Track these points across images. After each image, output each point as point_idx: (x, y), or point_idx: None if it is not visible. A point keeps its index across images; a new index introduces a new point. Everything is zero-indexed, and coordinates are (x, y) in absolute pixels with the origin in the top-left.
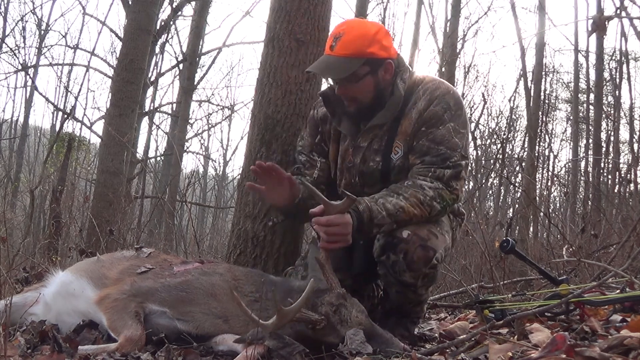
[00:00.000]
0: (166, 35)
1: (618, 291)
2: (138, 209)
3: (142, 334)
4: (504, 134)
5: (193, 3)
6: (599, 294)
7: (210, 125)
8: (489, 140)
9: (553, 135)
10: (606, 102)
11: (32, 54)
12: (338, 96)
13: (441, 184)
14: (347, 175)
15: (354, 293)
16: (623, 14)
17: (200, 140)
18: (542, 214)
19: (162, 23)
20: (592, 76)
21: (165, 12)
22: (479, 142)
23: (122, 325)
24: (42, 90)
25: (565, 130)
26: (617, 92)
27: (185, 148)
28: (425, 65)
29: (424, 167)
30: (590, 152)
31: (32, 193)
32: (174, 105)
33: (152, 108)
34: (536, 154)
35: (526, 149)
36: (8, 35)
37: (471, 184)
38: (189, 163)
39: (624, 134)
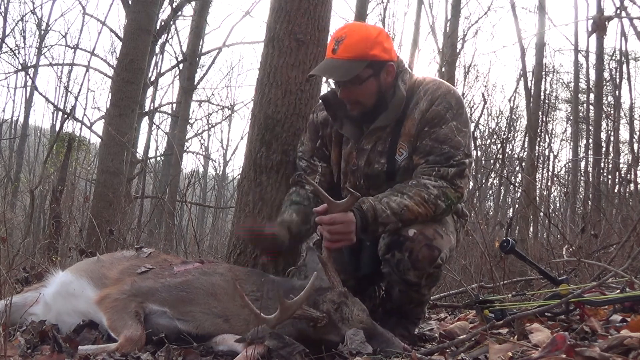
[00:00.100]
0: (166, 35)
1: (618, 291)
2: (138, 209)
3: (142, 334)
4: (504, 134)
5: (193, 3)
6: (599, 294)
7: (210, 125)
8: (489, 140)
9: (553, 135)
10: (606, 102)
11: (32, 54)
12: (339, 99)
13: (445, 182)
14: (351, 178)
15: (356, 294)
16: (623, 14)
17: (200, 140)
18: (542, 214)
19: (162, 23)
20: (592, 76)
21: (165, 12)
22: (479, 142)
23: (122, 325)
24: (42, 90)
25: (565, 130)
26: (617, 92)
27: (185, 148)
28: (425, 65)
29: (428, 166)
30: (590, 152)
31: (32, 193)
32: (174, 105)
33: (152, 108)
34: (536, 154)
35: (526, 149)
36: (8, 35)
37: (471, 184)
38: (189, 163)
39: (624, 134)
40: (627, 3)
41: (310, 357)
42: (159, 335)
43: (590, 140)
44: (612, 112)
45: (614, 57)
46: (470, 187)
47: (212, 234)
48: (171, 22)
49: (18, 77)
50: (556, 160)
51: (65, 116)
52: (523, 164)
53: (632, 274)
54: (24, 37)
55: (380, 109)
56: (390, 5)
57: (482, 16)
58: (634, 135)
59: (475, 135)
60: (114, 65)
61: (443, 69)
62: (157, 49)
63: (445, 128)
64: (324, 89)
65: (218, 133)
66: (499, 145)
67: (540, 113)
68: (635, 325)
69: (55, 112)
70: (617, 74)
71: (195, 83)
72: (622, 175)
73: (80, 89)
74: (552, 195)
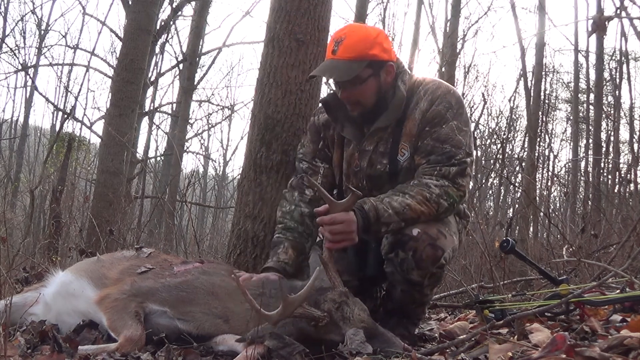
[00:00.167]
0: (166, 35)
1: (618, 291)
2: (138, 209)
3: (142, 334)
4: (504, 134)
5: (193, 3)
6: (599, 294)
7: (210, 125)
8: (489, 140)
9: (553, 135)
10: (606, 102)
11: (32, 54)
12: (339, 102)
13: (447, 181)
14: (354, 180)
15: (357, 294)
16: (623, 14)
17: (200, 140)
18: (542, 214)
19: (162, 23)
20: (592, 76)
21: (165, 12)
22: (479, 142)
23: (122, 325)
24: (42, 90)
25: (565, 130)
26: (617, 92)
27: (185, 148)
28: (425, 66)
29: (430, 166)
30: (590, 152)
31: (32, 193)
32: (174, 105)
33: (152, 108)
34: (536, 154)
35: (526, 149)
36: (8, 35)
37: (471, 184)
38: (189, 163)
39: (624, 134)
40: (627, 3)
41: (310, 357)
42: (159, 335)
43: (590, 140)
44: (612, 112)
45: (614, 57)
46: (471, 187)
47: (212, 234)
48: (171, 22)
49: (18, 77)
50: (556, 160)
51: (65, 116)
52: (523, 164)
53: (632, 274)
54: (24, 37)
55: (380, 109)
56: (390, 5)
57: (482, 16)
58: (634, 135)
59: (475, 135)
60: (114, 65)
61: (443, 69)
62: (157, 49)
63: (446, 127)
64: (324, 90)
65: (218, 133)
66: (499, 145)
67: (540, 113)
68: (635, 325)
69: (55, 112)
70: (617, 74)
71: (195, 83)
72: (622, 175)
73: (80, 89)
74: (552, 195)
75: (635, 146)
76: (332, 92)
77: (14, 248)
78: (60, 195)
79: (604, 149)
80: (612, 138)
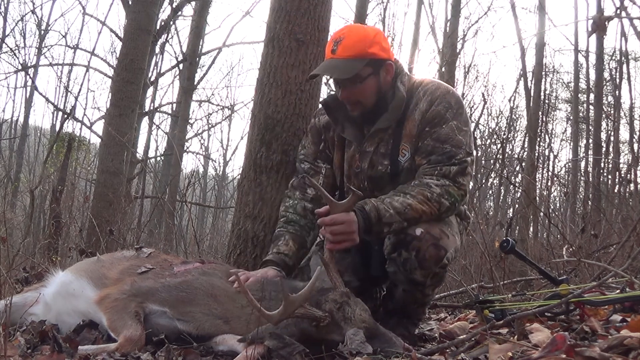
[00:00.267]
0: (166, 35)
1: (618, 291)
2: (138, 209)
3: (142, 334)
4: (504, 134)
5: (193, 3)
6: (599, 294)
7: (210, 125)
8: (489, 140)
9: (553, 135)
10: (606, 102)
11: (32, 54)
12: (339, 103)
13: (448, 180)
14: (355, 181)
15: (358, 295)
16: (623, 14)
17: (200, 140)
18: (542, 214)
19: (162, 23)
20: (592, 76)
21: (165, 12)
22: (479, 142)
23: (122, 325)
24: (42, 90)
25: (565, 130)
26: (617, 92)
27: (185, 148)
28: (425, 65)
29: (430, 166)
30: (590, 152)
31: (32, 193)
32: (174, 105)
33: (152, 108)
34: (536, 154)
35: (526, 149)
36: (8, 35)
37: (471, 184)
38: (189, 163)
39: (624, 134)
40: (627, 3)
41: (310, 357)
42: (159, 336)
43: (590, 140)
44: (612, 112)
45: (614, 57)
46: (471, 187)
47: (212, 234)
48: (171, 22)
49: (18, 77)
50: (556, 160)
51: (65, 116)
52: (523, 164)
53: (632, 274)
54: (24, 37)
55: (380, 110)
56: (390, 5)
57: (482, 16)
58: (634, 135)
59: (475, 135)
60: (114, 65)
61: (443, 69)
62: (157, 49)
63: (446, 127)
64: (324, 90)
65: (218, 133)
66: (499, 145)
67: (540, 113)
68: (635, 325)
69: (55, 112)
70: (617, 74)
71: (195, 83)
72: (622, 175)
73: (80, 89)
74: (552, 195)
75: (635, 146)
76: (331, 94)
77: (14, 248)
78: (60, 195)
79: (604, 149)
80: (612, 138)
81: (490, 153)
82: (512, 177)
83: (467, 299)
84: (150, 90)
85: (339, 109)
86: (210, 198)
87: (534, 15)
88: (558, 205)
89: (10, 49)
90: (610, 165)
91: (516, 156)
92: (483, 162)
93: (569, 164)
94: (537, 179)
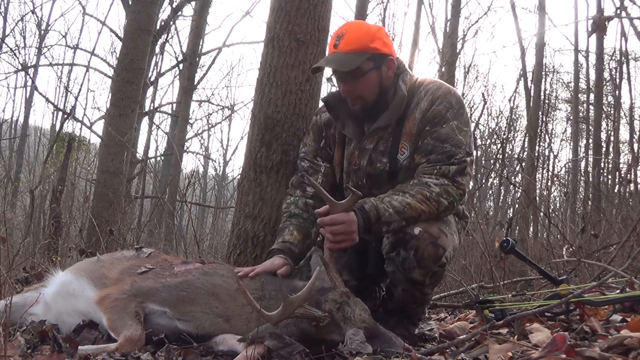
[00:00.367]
0: (166, 35)
1: (618, 291)
2: (138, 209)
3: (142, 334)
4: (504, 134)
5: (193, 3)
6: (599, 294)
7: (210, 125)
8: (489, 140)
9: (553, 135)
10: (606, 102)
11: (32, 54)
12: (340, 101)
13: (447, 180)
14: (354, 178)
15: (357, 294)
16: (623, 14)
17: (200, 140)
18: (542, 214)
19: (162, 23)
20: (592, 76)
21: (165, 12)
22: (479, 142)
23: (122, 325)
24: (42, 90)
25: (565, 130)
26: (617, 92)
27: (185, 148)
28: (425, 65)
29: (430, 165)
30: (590, 152)
31: (32, 193)
32: (174, 105)
33: (152, 108)
34: (536, 154)
35: (526, 149)
36: (8, 35)
37: (471, 184)
38: (189, 163)
39: (624, 134)
40: (627, 3)
41: (310, 357)
42: (159, 335)
43: (590, 140)
44: (612, 112)
45: (614, 57)
46: (471, 187)
47: (212, 234)
48: (171, 22)
49: (18, 77)
50: (556, 160)
51: (65, 116)
52: (523, 164)
53: (632, 274)
54: (24, 37)
55: (381, 107)
56: (390, 5)
57: (482, 16)
58: (634, 135)
59: (475, 135)
60: (114, 65)
61: (443, 69)
62: (157, 49)
63: (446, 127)
64: (324, 90)
65: (218, 133)
66: (499, 145)
67: (540, 113)
68: (635, 325)
69: (55, 112)
70: (617, 74)
71: (195, 83)
72: (622, 175)
73: (80, 89)
74: (552, 195)
75: (635, 146)
76: (332, 92)
77: (14, 248)
78: (60, 195)
79: (604, 149)
80: (612, 138)
81: (490, 153)
82: (512, 177)
83: (467, 299)
84: (150, 90)
85: (340, 106)
86: (210, 198)
87: (534, 15)
88: (558, 205)
89: (10, 49)
90: (610, 165)
91: (516, 156)
92: (483, 162)
93: (569, 164)
94: (537, 179)
